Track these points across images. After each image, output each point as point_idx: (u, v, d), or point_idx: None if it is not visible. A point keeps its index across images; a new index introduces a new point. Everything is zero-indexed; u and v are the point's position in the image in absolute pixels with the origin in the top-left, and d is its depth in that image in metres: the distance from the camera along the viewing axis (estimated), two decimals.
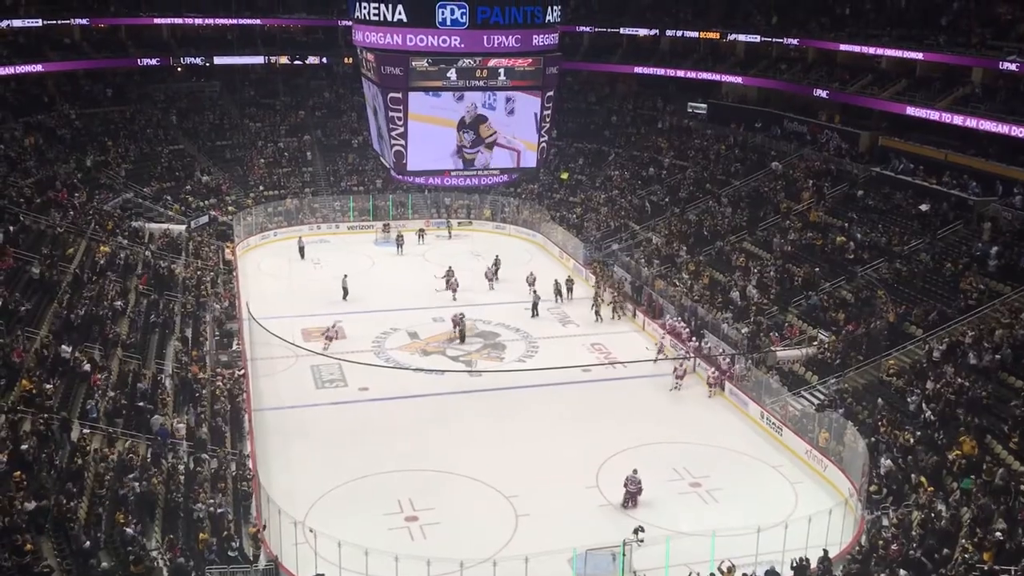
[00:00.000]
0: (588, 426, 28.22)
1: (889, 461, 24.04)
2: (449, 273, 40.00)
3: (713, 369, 31.24)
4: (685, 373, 31.31)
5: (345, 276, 39.25)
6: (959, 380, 25.78)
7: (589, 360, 33.25)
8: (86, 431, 22.58)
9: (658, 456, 26.13)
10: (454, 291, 39.06)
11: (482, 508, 23.52)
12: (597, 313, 37.43)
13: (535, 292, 38.29)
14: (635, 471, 24.00)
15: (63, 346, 25.67)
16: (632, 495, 23.79)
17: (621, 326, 37.09)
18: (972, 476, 22.19)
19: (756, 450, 27.23)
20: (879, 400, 26.86)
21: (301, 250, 44.31)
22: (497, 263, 41.89)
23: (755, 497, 24.34)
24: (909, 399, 26.27)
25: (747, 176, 45.00)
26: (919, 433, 24.72)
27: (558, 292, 39.24)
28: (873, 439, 24.99)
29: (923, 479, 22.83)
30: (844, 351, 29.86)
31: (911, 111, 39.27)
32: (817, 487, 25.08)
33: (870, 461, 23.71)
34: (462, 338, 34.78)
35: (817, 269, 34.85)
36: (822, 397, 28.62)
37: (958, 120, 36.73)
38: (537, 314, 37.48)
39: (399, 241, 45.99)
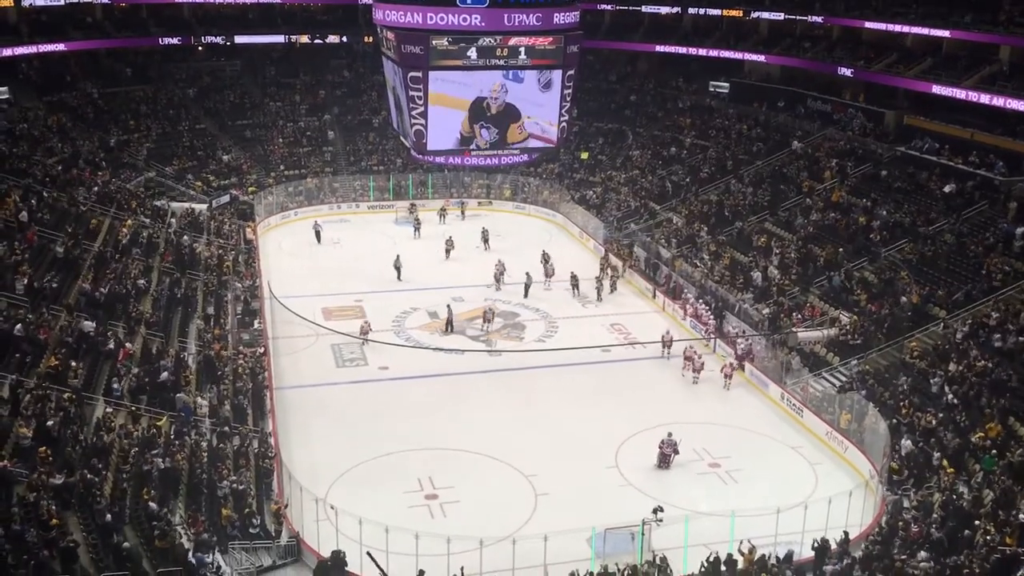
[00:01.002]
0: (607, 406, 28.23)
1: (910, 443, 23.92)
2: (449, 243, 41.60)
3: (729, 361, 30.50)
4: (703, 367, 30.03)
5: (398, 256, 39.19)
6: (983, 362, 25.57)
7: (608, 340, 33.20)
8: (109, 410, 22.82)
9: (677, 437, 26.11)
10: (498, 279, 38.32)
11: (501, 487, 23.63)
12: (598, 291, 37.39)
13: (529, 275, 37.62)
14: (670, 433, 24.79)
15: (86, 323, 25.93)
16: (666, 456, 24.54)
17: (642, 306, 37.00)
18: (994, 453, 22.06)
19: (776, 431, 27.16)
20: (902, 381, 26.68)
21: (317, 234, 43.80)
22: (485, 234, 42.97)
23: (775, 478, 24.31)
24: (932, 380, 26.09)
25: (769, 156, 44.64)
26: (941, 415, 24.56)
27: (575, 285, 37.82)
28: (894, 420, 24.87)
29: (945, 461, 22.72)
30: (866, 332, 29.66)
31: (937, 90, 38.77)
32: (837, 468, 25.00)
33: (891, 443, 23.60)
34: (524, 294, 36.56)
35: (840, 250, 34.59)
36: (844, 378, 28.47)
37: (985, 99, 36.24)
38: (527, 296, 37.28)
39: (416, 224, 45.48)
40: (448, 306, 34.59)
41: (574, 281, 37.91)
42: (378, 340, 32.06)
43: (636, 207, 45.96)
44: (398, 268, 38.82)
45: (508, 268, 38.63)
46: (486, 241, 42.94)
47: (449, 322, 34.06)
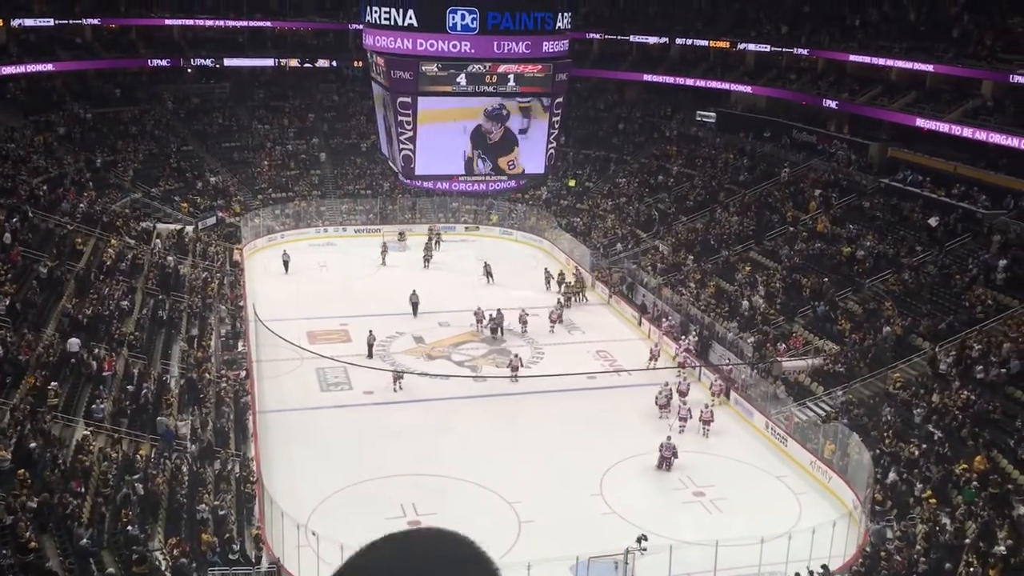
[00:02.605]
0: (592, 433, 28.14)
1: (894, 473, 23.95)
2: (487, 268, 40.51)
3: (707, 405, 29.15)
4: (689, 415, 28.37)
5: (414, 291, 37.20)
6: (966, 394, 25.68)
7: (594, 367, 33.19)
8: (87, 432, 22.59)
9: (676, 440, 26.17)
10: (496, 330, 35.73)
11: (485, 514, 23.43)
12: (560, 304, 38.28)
13: (492, 317, 35.63)
14: (668, 437, 25.95)
15: (70, 343, 25.73)
16: (666, 459, 25.34)
17: (627, 333, 37.04)
18: (976, 485, 22.11)
19: (760, 460, 27.15)
20: (885, 412, 26.75)
21: (285, 264, 42.27)
22: (487, 268, 42.08)
23: (759, 507, 24.25)
24: (915, 411, 26.17)
25: (755, 185, 44.95)
26: (924, 446, 24.62)
27: (523, 322, 36.13)
28: (878, 451, 24.90)
29: (928, 492, 22.75)
30: (850, 362, 29.77)
31: (920, 123, 39.21)
32: (821, 498, 24.99)
33: (875, 473, 23.62)
34: (499, 332, 35.34)
35: (825, 279, 34.78)
36: (828, 408, 28.52)
37: (968, 132, 36.65)
38: (501, 335, 35.53)
39: (387, 249, 44.91)
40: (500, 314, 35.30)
41: (523, 319, 35.89)
42: (363, 364, 31.92)
43: (623, 234, 46.12)
44: (415, 304, 36.92)
45: (493, 288, 38.92)
46: (489, 275, 41.75)
47: (498, 325, 35.06)
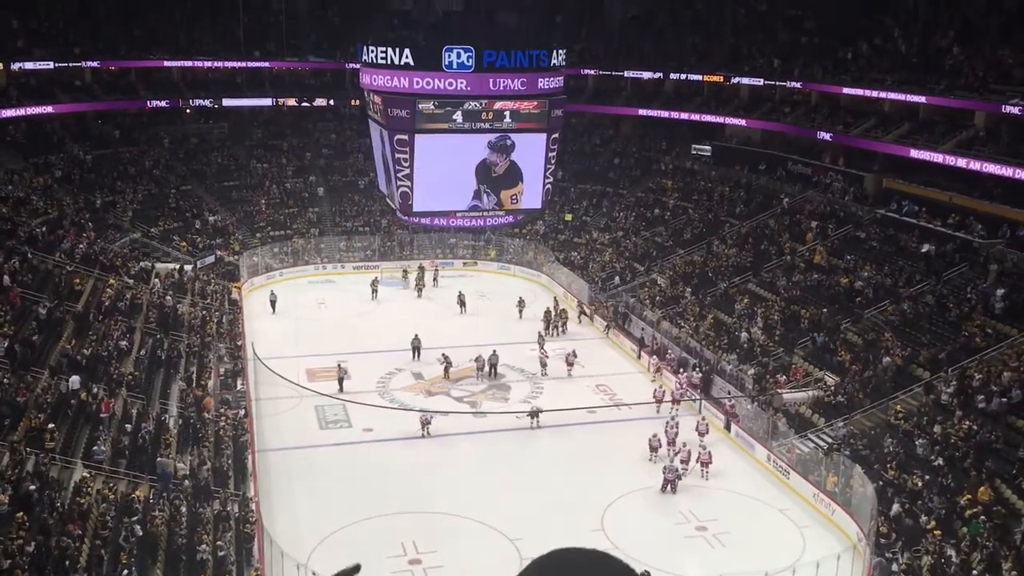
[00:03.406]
0: (593, 468, 28.01)
1: (898, 505, 23.81)
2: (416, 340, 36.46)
3: (703, 447, 28.30)
4: (689, 457, 27.78)
5: (416, 336, 36.24)
6: (967, 424, 25.61)
7: (594, 401, 33.09)
8: (86, 474, 22.47)
9: (664, 499, 25.91)
10: (492, 370, 35.02)
11: (486, 551, 23.28)
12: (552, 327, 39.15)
13: (487, 358, 35.08)
14: (671, 460, 26.86)
15: (71, 381, 25.68)
16: (671, 481, 25.78)
17: (627, 366, 36.98)
18: (981, 518, 21.97)
19: (763, 493, 26.98)
20: (887, 443, 26.65)
21: (272, 304, 41.88)
22: (522, 303, 42.06)
23: (762, 541, 24.07)
24: (917, 442, 26.08)
25: (751, 218, 45.13)
26: (927, 477, 24.50)
27: (494, 365, 35.54)
28: (881, 483, 24.77)
29: (932, 523, 22.61)
30: (850, 393, 29.72)
31: (915, 154, 39.44)
32: (825, 531, 24.81)
33: (878, 505, 23.48)
34: (492, 373, 34.85)
35: (824, 310, 34.80)
36: (829, 440, 28.42)
37: (962, 163, 36.86)
38: (495, 376, 35.02)
39: (378, 284, 45.07)
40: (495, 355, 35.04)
41: (493, 361, 35.13)
42: (362, 402, 31.82)
43: (621, 268, 46.22)
44: (416, 348, 36.04)
45: (491, 325, 38.70)
46: (462, 304, 42.23)
47: (493, 367, 34.75)
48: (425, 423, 29.83)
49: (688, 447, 28.15)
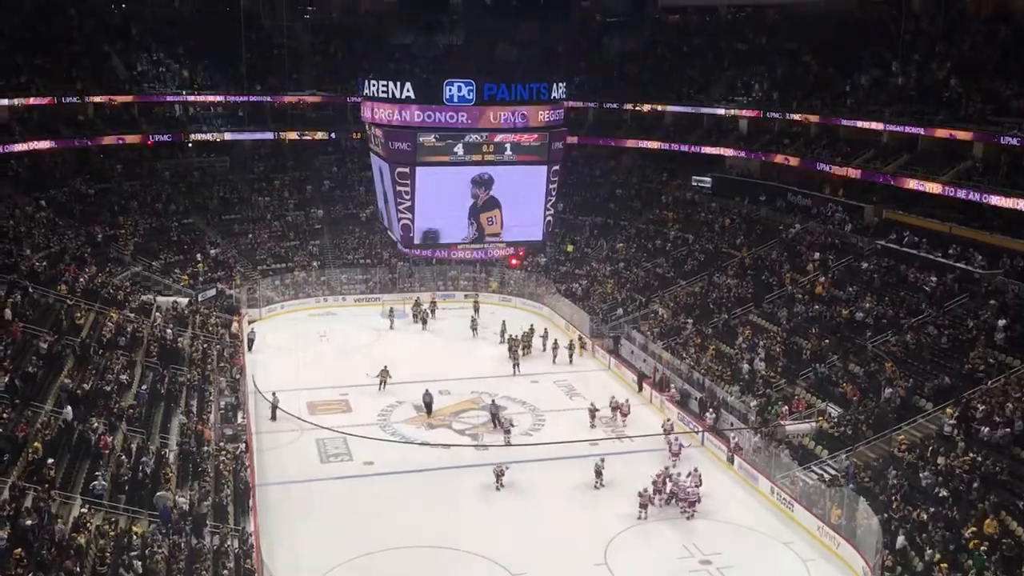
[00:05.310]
0: (596, 501, 27.84)
1: (903, 538, 23.60)
2: (384, 372, 36.52)
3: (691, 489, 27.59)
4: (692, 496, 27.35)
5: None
6: (971, 455, 25.46)
7: (596, 433, 32.92)
8: (84, 509, 22.29)
9: (667, 533, 25.69)
10: (495, 418, 33.83)
11: None
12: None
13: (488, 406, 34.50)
14: (677, 473, 27.87)
15: (68, 418, 25.55)
16: (645, 507, 26.36)
17: (629, 399, 36.83)
18: (983, 550, 21.78)
19: (767, 526, 26.77)
20: (892, 475, 26.47)
21: (250, 342, 41.32)
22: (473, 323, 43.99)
23: (766, 575, 23.83)
24: (921, 474, 25.91)
25: (752, 249, 45.18)
26: (932, 509, 24.31)
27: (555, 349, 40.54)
28: (886, 515, 24.58)
29: (938, 556, 22.39)
30: (854, 425, 29.57)
31: (914, 185, 39.53)
32: (830, 565, 24.59)
33: (883, 538, 23.28)
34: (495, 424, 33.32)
35: (826, 341, 34.72)
36: (833, 472, 28.24)
37: (961, 194, 36.93)
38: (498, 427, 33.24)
39: (394, 313, 45.67)
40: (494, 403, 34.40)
41: (623, 409, 34.23)
42: (363, 435, 31.68)
43: (622, 299, 46.20)
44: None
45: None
46: (475, 329, 43.80)
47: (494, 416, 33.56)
48: (499, 475, 28.48)
49: (691, 486, 27.41)
